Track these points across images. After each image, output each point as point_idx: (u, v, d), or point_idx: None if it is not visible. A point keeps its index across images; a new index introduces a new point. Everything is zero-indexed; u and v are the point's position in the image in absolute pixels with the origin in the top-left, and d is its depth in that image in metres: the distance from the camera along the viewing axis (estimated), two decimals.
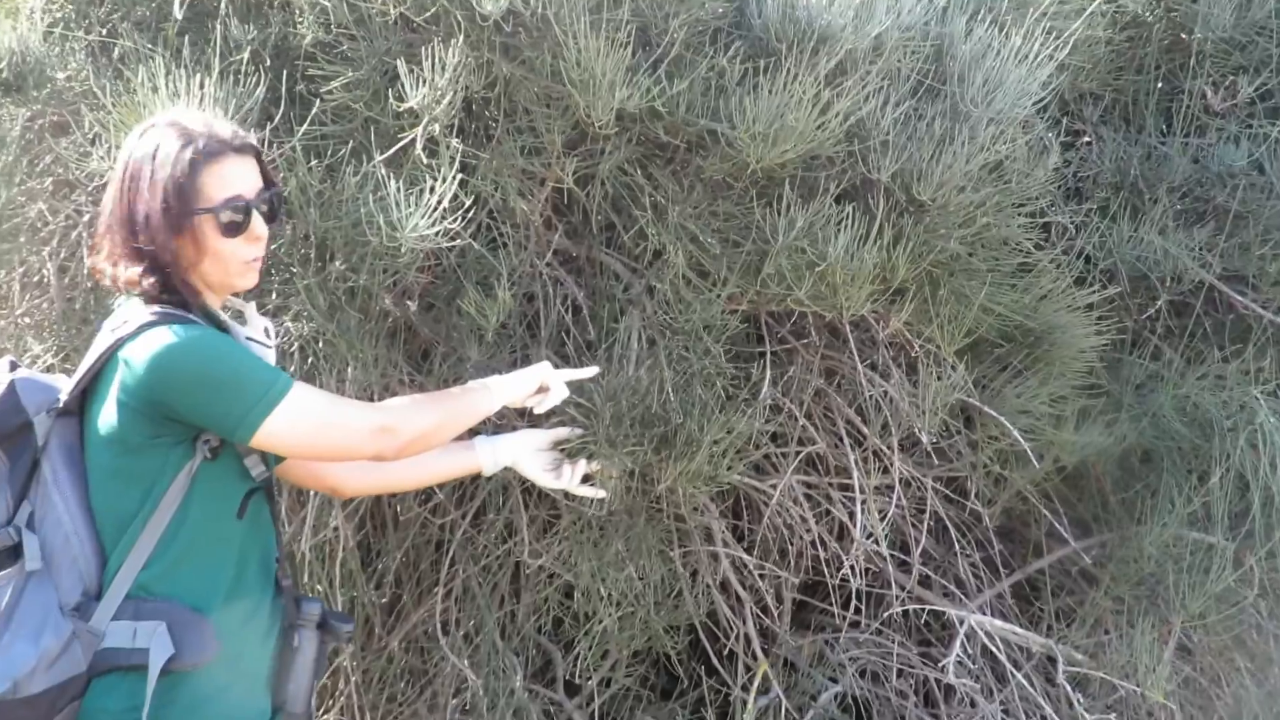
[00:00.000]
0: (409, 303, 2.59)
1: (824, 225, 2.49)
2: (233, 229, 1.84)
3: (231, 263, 1.86)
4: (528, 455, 2.29)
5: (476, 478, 2.72)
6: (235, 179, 1.84)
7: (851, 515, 2.85)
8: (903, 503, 2.86)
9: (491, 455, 2.27)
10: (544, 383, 2.20)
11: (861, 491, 2.80)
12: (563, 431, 2.34)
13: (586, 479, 2.36)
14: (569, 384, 2.24)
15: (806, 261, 2.49)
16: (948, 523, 3.05)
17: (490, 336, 2.49)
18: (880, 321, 2.78)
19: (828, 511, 3.01)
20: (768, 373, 2.72)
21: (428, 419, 1.96)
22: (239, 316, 1.99)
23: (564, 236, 2.72)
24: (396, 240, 2.22)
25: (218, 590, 1.84)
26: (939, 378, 2.73)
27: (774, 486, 2.86)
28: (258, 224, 1.86)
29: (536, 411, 2.21)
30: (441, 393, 2.13)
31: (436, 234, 2.23)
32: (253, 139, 1.90)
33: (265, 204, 1.88)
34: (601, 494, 2.38)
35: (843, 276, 2.48)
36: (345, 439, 1.85)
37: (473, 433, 2.25)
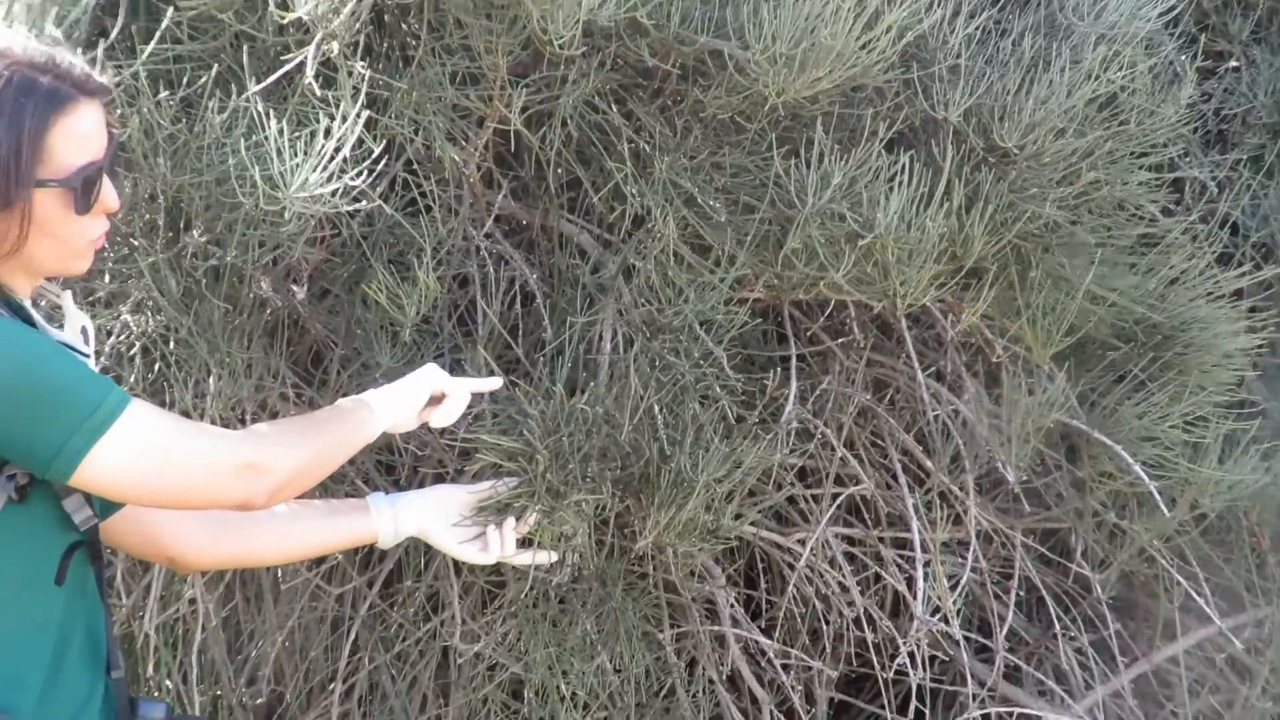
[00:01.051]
0: (295, 288, 2.61)
1: (870, 182, 2.49)
2: (88, 203, 1.87)
3: (76, 242, 1.89)
4: (440, 524, 2.35)
5: None
6: (90, 137, 1.86)
7: (910, 582, 2.83)
8: (981, 565, 2.86)
9: (391, 522, 2.31)
10: (437, 389, 2.25)
11: (924, 549, 2.78)
12: (485, 487, 2.38)
13: (527, 542, 2.41)
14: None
15: (846, 232, 2.49)
16: (1044, 593, 3.03)
17: (407, 335, 2.50)
18: (949, 315, 2.79)
19: (877, 577, 2.99)
20: (793, 385, 2.71)
21: (307, 449, 2.00)
22: (56, 311, 2.01)
23: (510, 197, 2.72)
24: (278, 202, 2.24)
25: (30, 683, 1.84)
26: (1030, 392, 2.71)
27: (802, 543, 2.85)
28: (110, 194, 1.90)
29: (434, 425, 2.26)
30: (311, 415, 2.16)
31: (334, 193, 2.24)
32: (107, 77, 1.93)
33: (113, 163, 1.92)
34: (549, 558, 2.42)
35: (897, 252, 2.48)
36: (200, 479, 1.88)
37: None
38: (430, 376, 2.26)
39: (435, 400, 2.27)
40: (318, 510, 2.27)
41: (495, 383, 2.35)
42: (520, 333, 2.71)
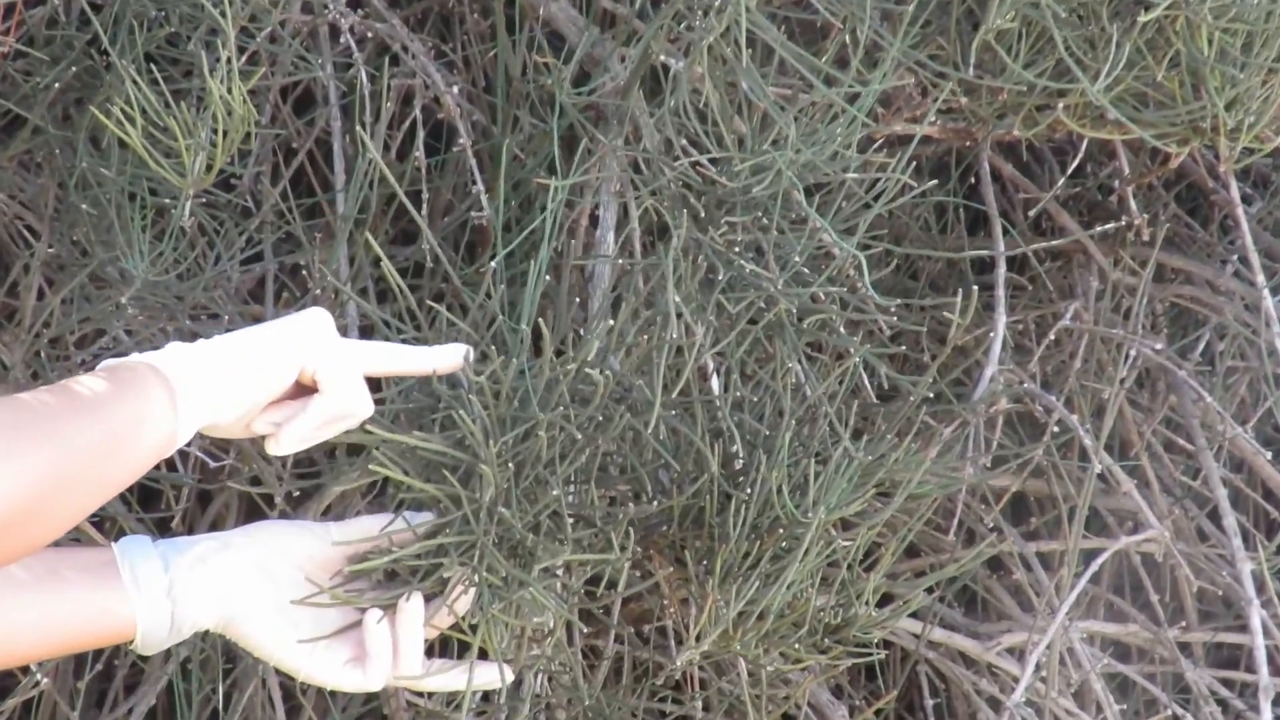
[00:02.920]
0: None
1: None
2: None
3: None
4: (268, 605, 1.98)
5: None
6: None
7: None
8: None
9: (164, 599, 1.95)
10: (306, 370, 1.93)
11: (1278, 671, 2.67)
12: (365, 528, 2.01)
13: (450, 645, 2.20)
14: (387, 386, 2.10)
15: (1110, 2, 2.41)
16: None
17: (187, 215, 2.36)
18: None
19: None
20: (1000, 322, 2.62)
21: (20, 470, 1.77)
22: None
23: None
24: None
25: None
26: None
27: (1018, 653, 2.73)
28: None
29: (278, 451, 1.94)
30: (23, 400, 1.85)
31: None
32: None
33: None
34: (499, 680, 2.08)
35: (1220, 39, 2.36)
36: None
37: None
38: (308, 334, 1.94)
39: (301, 388, 1.94)
40: (11, 577, 1.89)
41: (453, 354, 2.02)
42: (430, 211, 2.66)
